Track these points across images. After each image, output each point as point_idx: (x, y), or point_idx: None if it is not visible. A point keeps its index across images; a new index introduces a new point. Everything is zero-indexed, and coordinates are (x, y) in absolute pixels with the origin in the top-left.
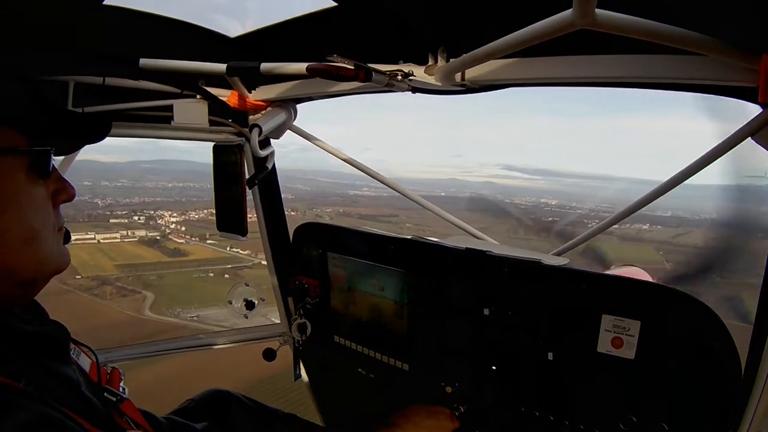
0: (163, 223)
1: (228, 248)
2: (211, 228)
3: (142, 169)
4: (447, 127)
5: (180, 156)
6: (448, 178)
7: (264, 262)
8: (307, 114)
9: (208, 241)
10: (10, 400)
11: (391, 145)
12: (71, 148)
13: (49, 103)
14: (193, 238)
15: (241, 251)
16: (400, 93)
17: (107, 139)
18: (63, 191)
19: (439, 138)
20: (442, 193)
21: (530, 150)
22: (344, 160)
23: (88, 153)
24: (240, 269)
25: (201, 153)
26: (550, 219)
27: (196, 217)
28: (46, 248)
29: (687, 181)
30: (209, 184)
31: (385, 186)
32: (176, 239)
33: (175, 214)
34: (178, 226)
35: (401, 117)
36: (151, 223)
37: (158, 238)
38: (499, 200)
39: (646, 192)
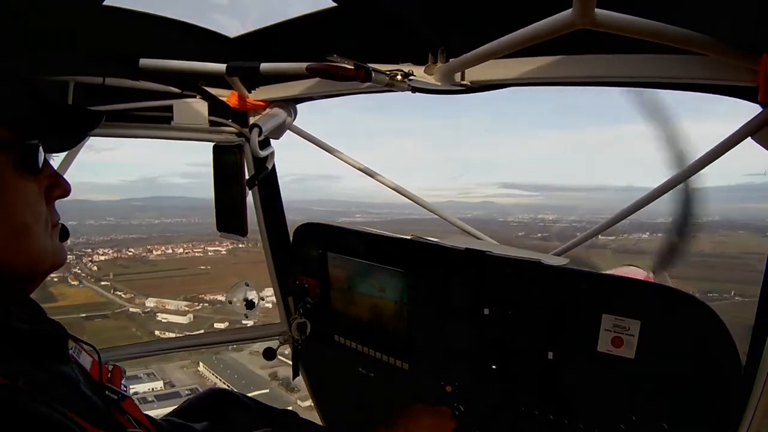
0: (86, 262)
1: (111, 291)
2: (132, 266)
3: (132, 206)
4: (443, 149)
5: (174, 192)
6: (446, 200)
7: (133, 309)
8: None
9: (102, 283)
10: (8, 400)
11: (387, 172)
12: (65, 144)
13: (38, 99)
14: (90, 279)
15: (122, 295)
16: (396, 116)
17: (99, 178)
18: (57, 187)
19: (437, 161)
20: (434, 216)
21: (529, 166)
22: (344, 161)
23: (80, 193)
24: (91, 319)
25: (193, 188)
26: (539, 234)
27: (130, 253)
28: (38, 244)
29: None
30: (198, 218)
31: (378, 210)
32: (72, 281)
33: (109, 251)
34: (92, 266)
35: (398, 143)
36: (74, 261)
37: (55, 280)
38: (493, 220)
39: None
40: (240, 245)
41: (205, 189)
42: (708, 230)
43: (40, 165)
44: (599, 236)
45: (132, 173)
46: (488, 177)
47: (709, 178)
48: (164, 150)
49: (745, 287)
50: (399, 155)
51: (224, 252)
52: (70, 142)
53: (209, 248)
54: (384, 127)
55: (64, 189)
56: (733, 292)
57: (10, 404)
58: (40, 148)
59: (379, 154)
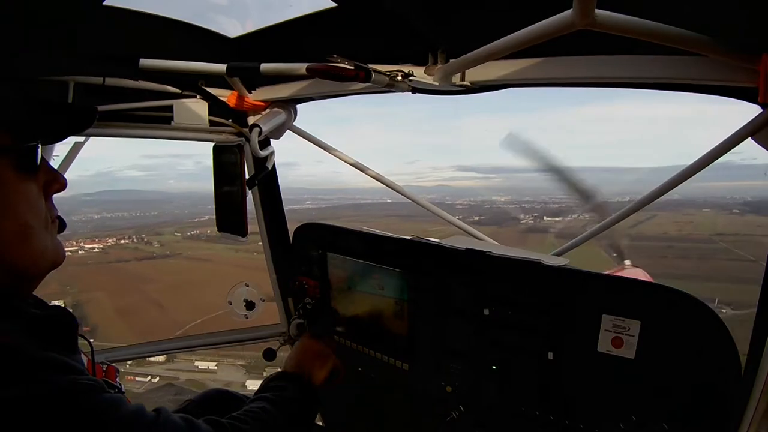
0: None
1: None
2: None
3: (81, 201)
4: (400, 135)
5: (128, 186)
6: (402, 184)
7: None
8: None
9: None
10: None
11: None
12: (57, 139)
13: (34, 100)
14: None
15: None
16: (353, 104)
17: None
18: (54, 182)
19: (393, 146)
20: (389, 200)
21: (485, 149)
22: (342, 159)
23: None
24: None
25: (148, 181)
26: (476, 218)
27: None
28: (40, 243)
29: (646, 165)
30: (140, 212)
31: (330, 196)
32: None
33: None
34: None
35: (355, 129)
36: None
37: None
38: (441, 203)
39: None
40: (123, 240)
41: (158, 182)
42: (671, 209)
43: (38, 163)
44: (545, 218)
45: (90, 167)
46: (444, 160)
47: (668, 158)
48: (118, 141)
49: (729, 288)
50: (357, 140)
51: (98, 250)
52: (62, 137)
53: (87, 245)
54: (343, 113)
55: (61, 184)
56: (717, 300)
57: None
58: (38, 148)
59: (340, 140)
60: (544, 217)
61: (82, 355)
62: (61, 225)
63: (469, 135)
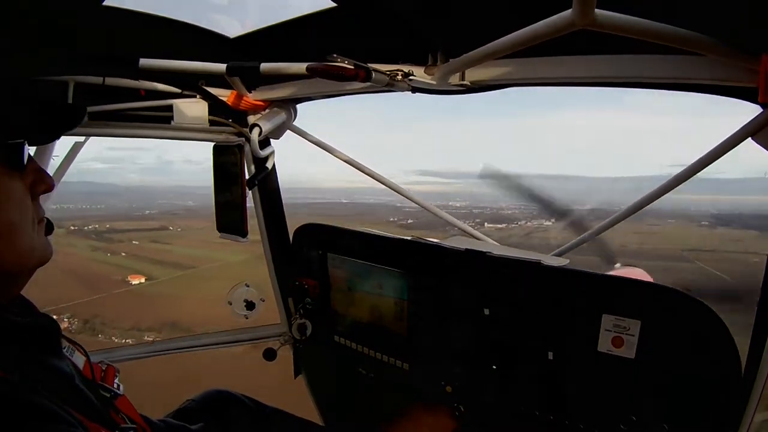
0: None
1: None
2: None
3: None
4: (363, 137)
5: (90, 178)
6: (366, 186)
7: None
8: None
9: None
10: (5, 394)
11: (308, 157)
12: (45, 139)
13: (20, 97)
14: None
15: None
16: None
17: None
18: (41, 182)
19: (355, 148)
20: (344, 200)
21: (447, 153)
22: (343, 160)
23: None
24: None
25: (112, 174)
26: (409, 221)
27: None
28: (25, 241)
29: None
30: (103, 204)
31: (311, 195)
32: None
33: None
34: None
35: (320, 127)
36: None
37: None
38: (388, 205)
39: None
40: None
41: (120, 174)
42: (631, 219)
43: (25, 162)
44: (485, 225)
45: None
46: (407, 164)
47: (636, 168)
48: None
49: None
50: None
51: None
52: (51, 137)
53: None
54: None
55: (48, 184)
56: None
57: (7, 396)
58: (25, 146)
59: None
60: (485, 224)
61: (80, 354)
62: (49, 227)
63: (432, 139)
